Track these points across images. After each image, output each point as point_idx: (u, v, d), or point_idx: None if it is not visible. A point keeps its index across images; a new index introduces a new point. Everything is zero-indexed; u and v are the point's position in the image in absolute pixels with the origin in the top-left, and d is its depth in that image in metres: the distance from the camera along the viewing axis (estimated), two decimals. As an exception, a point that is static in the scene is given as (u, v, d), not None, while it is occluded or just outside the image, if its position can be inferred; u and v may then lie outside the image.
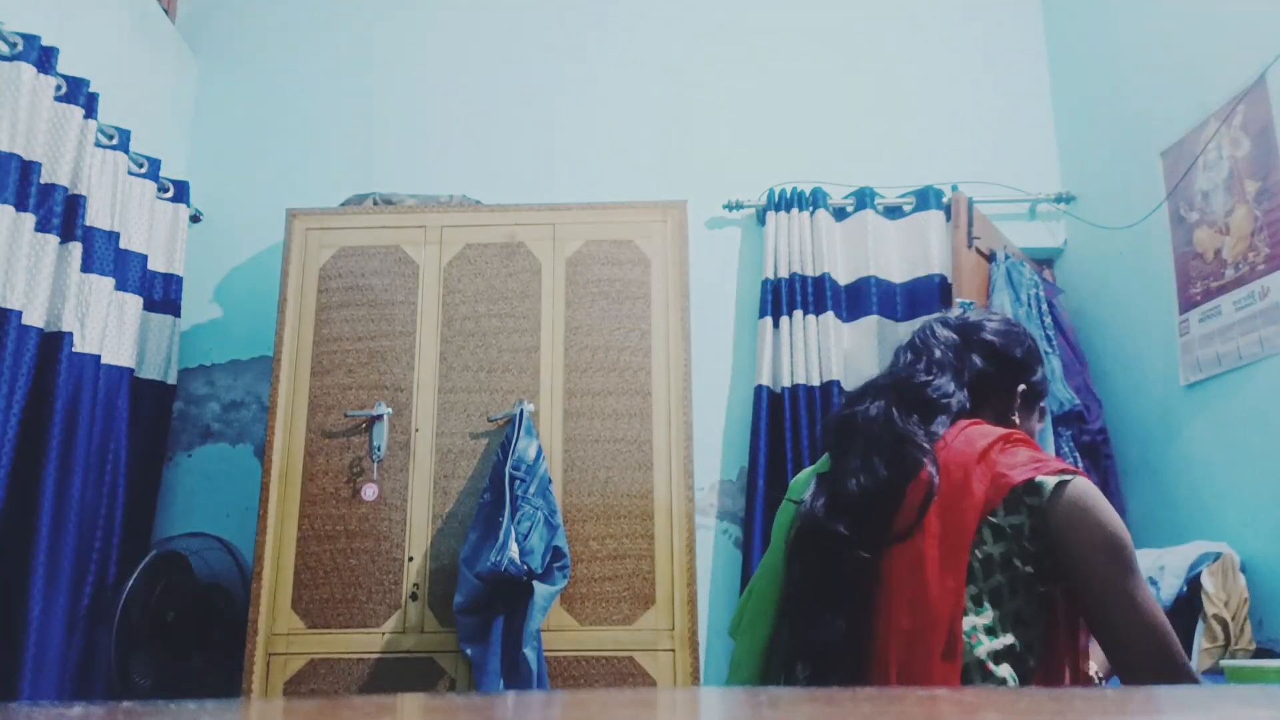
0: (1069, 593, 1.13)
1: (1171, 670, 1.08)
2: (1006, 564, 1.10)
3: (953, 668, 1.05)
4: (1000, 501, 1.10)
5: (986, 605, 1.08)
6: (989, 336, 1.31)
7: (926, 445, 1.16)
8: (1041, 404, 1.38)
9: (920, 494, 1.12)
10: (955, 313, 1.39)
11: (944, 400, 1.23)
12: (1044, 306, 2.88)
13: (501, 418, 2.59)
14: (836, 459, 1.25)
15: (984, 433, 1.18)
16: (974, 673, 1.06)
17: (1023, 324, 1.41)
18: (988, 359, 1.30)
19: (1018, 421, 1.32)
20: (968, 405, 1.26)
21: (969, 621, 1.08)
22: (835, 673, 1.12)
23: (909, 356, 1.30)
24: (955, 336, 1.31)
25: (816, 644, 1.13)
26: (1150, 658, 1.08)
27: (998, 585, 1.09)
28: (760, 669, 1.26)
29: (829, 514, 1.17)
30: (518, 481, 2.41)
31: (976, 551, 1.10)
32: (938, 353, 1.28)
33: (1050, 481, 1.10)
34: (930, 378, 1.25)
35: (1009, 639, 1.09)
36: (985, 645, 1.07)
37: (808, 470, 1.39)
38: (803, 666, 1.18)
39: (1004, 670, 1.08)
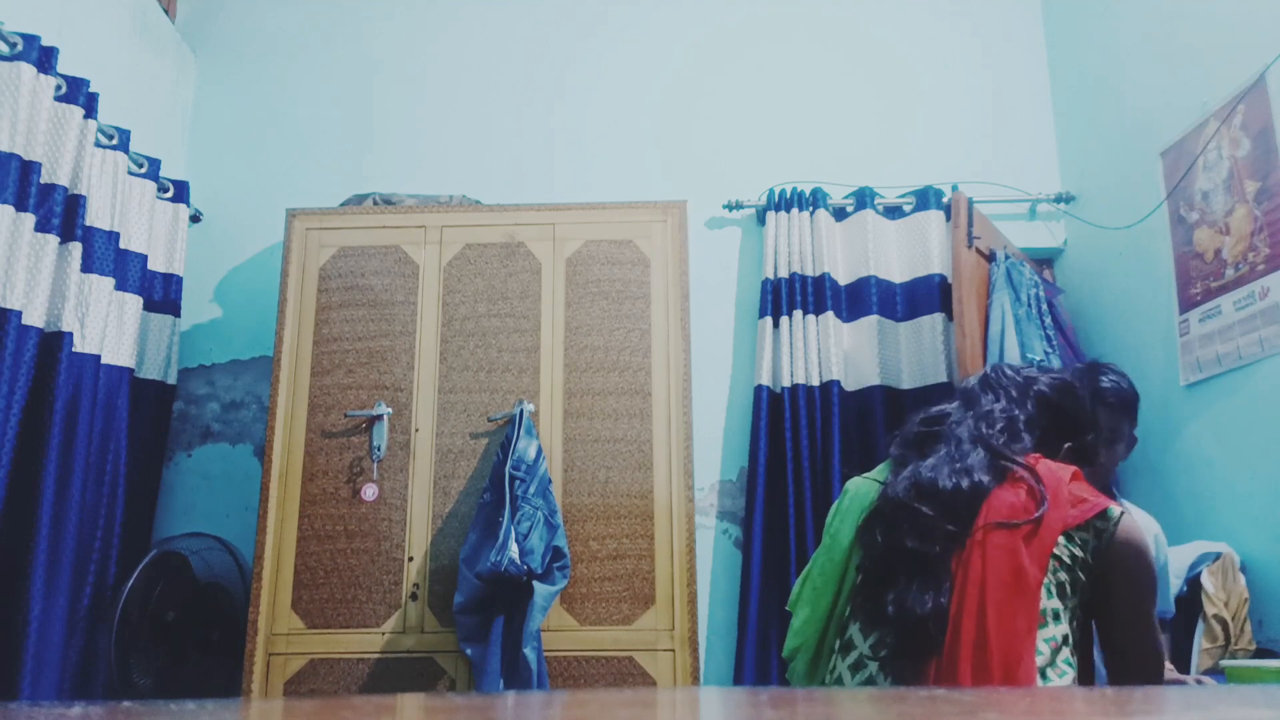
0: (1097, 607, 1.28)
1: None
2: (1072, 568, 1.24)
3: (1031, 638, 1.18)
4: (1079, 521, 1.26)
5: (1054, 594, 1.22)
6: (1044, 389, 1.46)
7: (1022, 461, 1.31)
8: (1089, 465, 1.50)
9: (1019, 496, 1.27)
10: (1013, 364, 1.54)
11: (1019, 433, 1.39)
12: (1044, 306, 2.88)
13: (501, 418, 2.59)
14: (913, 461, 1.38)
15: (1062, 466, 1.34)
16: (1043, 648, 1.19)
17: (1083, 390, 1.55)
18: (1041, 409, 1.44)
19: None
20: (1030, 445, 1.40)
21: (1041, 604, 1.22)
22: (920, 638, 1.21)
23: (989, 395, 1.44)
24: (1020, 379, 1.46)
25: (907, 614, 1.23)
26: (1146, 676, 1.24)
27: (1063, 582, 1.24)
28: (820, 632, 1.40)
29: (914, 497, 1.31)
30: (518, 481, 2.41)
31: (1054, 550, 1.24)
32: (1014, 391, 1.44)
33: (1116, 512, 1.27)
34: (1009, 413, 1.41)
35: (1065, 629, 1.22)
36: (1050, 628, 1.21)
37: (872, 473, 1.53)
38: (868, 632, 1.29)
39: (1064, 656, 1.20)
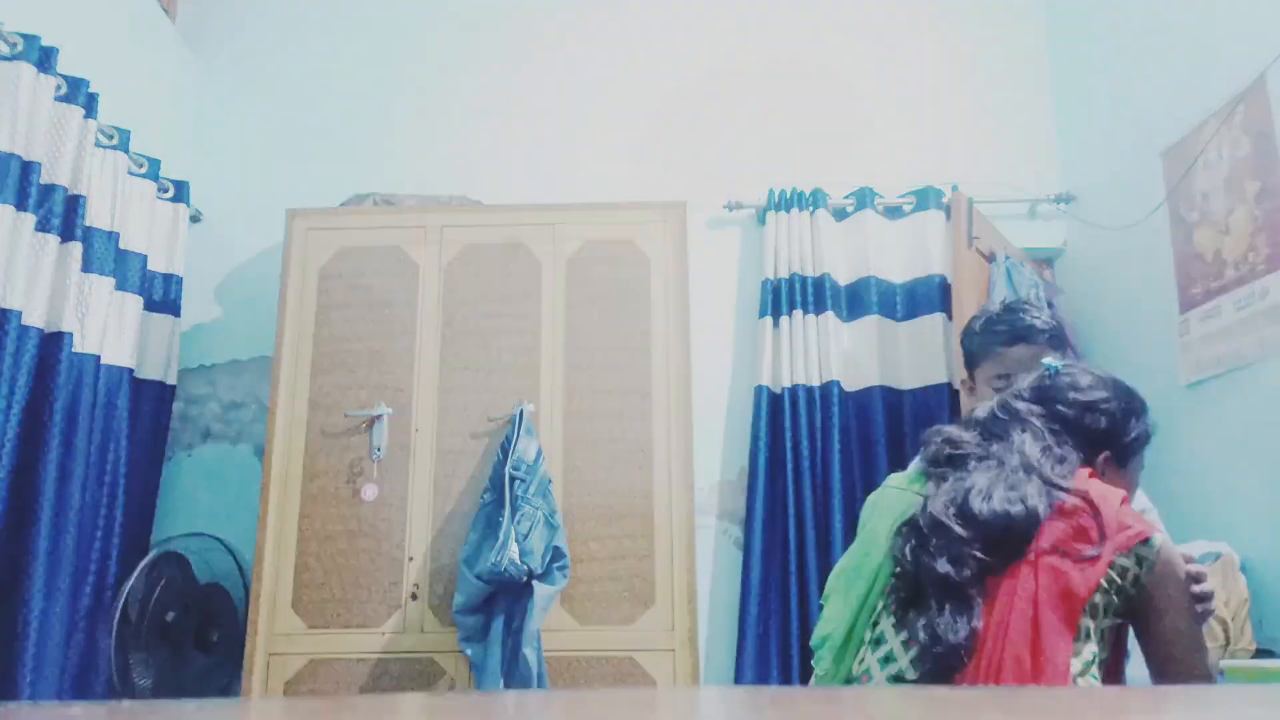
0: (1140, 631, 1.27)
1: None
2: (1108, 592, 1.23)
3: (1070, 651, 1.18)
4: (1124, 549, 1.24)
5: (1087, 614, 1.21)
6: (1064, 409, 1.39)
7: (1075, 488, 1.28)
8: (1133, 460, 1.46)
9: (1077, 527, 1.25)
10: (1027, 381, 1.46)
11: (1063, 458, 1.34)
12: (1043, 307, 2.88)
13: (501, 418, 2.59)
14: (954, 477, 1.34)
15: (1112, 490, 1.30)
16: (1075, 664, 1.19)
17: (1111, 379, 1.46)
18: (1067, 432, 1.38)
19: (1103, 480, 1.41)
20: (1077, 461, 1.35)
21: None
22: (952, 661, 1.20)
23: (1017, 426, 1.38)
24: (1036, 407, 1.40)
25: (940, 640, 1.21)
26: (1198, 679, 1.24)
27: (1096, 604, 1.22)
28: (850, 623, 1.38)
29: (953, 517, 1.27)
30: (518, 482, 2.41)
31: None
32: (1036, 421, 1.38)
33: (1158, 540, 1.25)
34: (1042, 440, 1.35)
35: (1094, 647, 1.21)
36: (1080, 644, 1.20)
37: (910, 470, 1.49)
38: (900, 629, 1.28)
39: (1091, 671, 1.19)
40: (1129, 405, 1.43)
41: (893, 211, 3.13)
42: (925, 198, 3.07)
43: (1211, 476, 2.48)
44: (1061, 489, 1.28)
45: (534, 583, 2.33)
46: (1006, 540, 1.24)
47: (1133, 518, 1.27)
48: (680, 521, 2.52)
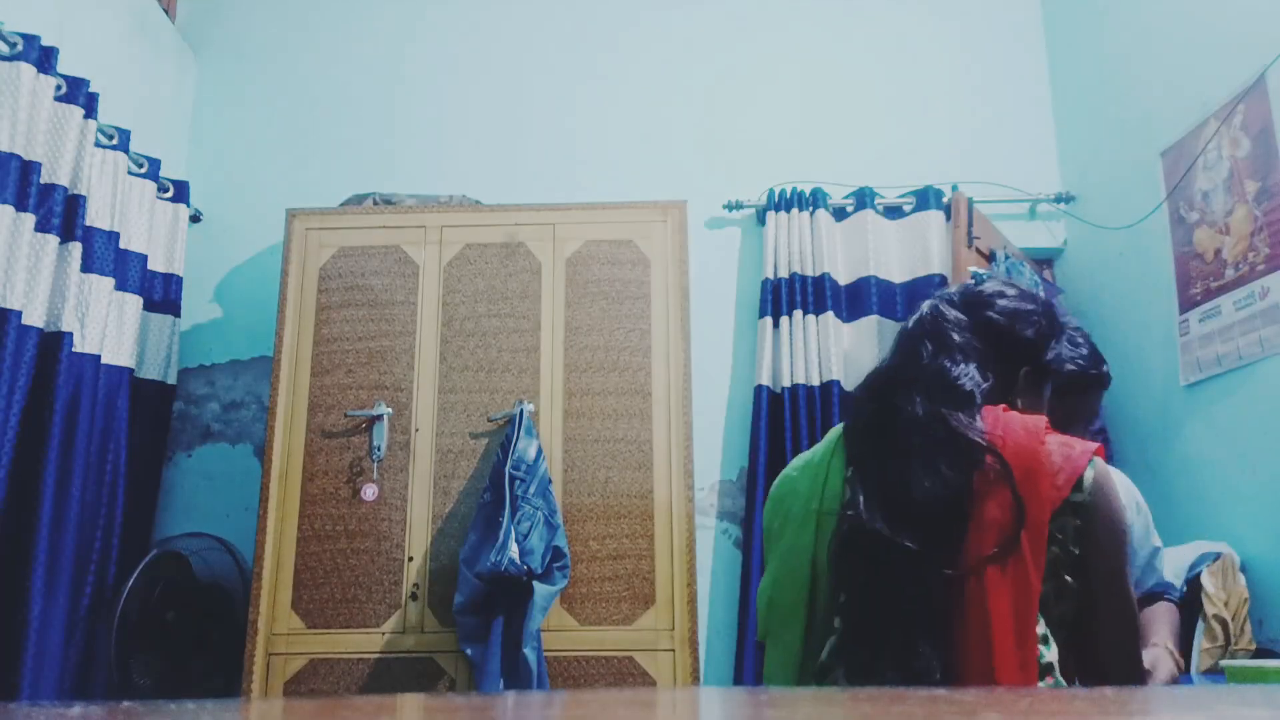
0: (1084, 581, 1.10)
1: (1133, 670, 1.10)
2: (1053, 575, 1.07)
3: (1033, 672, 1.03)
4: (1057, 504, 1.07)
5: (1042, 618, 1.06)
6: (995, 316, 1.25)
7: (984, 441, 1.10)
8: (1049, 383, 1.31)
9: (1003, 509, 1.07)
10: (955, 288, 1.33)
11: (975, 390, 1.16)
12: (1044, 306, 2.88)
13: (501, 418, 2.59)
14: (878, 461, 1.16)
15: (1032, 431, 1.12)
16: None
17: (1038, 294, 1.32)
18: (992, 342, 1.23)
19: (1020, 404, 1.26)
20: (989, 387, 1.18)
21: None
22: None
23: (930, 347, 1.22)
24: (964, 317, 1.26)
25: (912, 679, 1.04)
26: (1121, 652, 1.10)
27: (1045, 596, 1.06)
28: (795, 673, 1.18)
29: (891, 526, 1.08)
30: (518, 481, 2.41)
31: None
32: (956, 336, 1.22)
33: (1089, 477, 1.09)
34: (958, 368, 1.18)
35: (1054, 654, 1.07)
36: (1046, 653, 1.06)
37: (810, 462, 1.27)
38: (855, 682, 1.10)
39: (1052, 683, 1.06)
40: (1052, 322, 1.29)
41: (892, 211, 3.13)
42: (925, 197, 3.07)
43: (1211, 476, 2.48)
44: (973, 443, 1.09)
45: (534, 583, 2.33)
46: (941, 530, 1.07)
47: (1060, 454, 1.09)
48: (680, 521, 2.52)
